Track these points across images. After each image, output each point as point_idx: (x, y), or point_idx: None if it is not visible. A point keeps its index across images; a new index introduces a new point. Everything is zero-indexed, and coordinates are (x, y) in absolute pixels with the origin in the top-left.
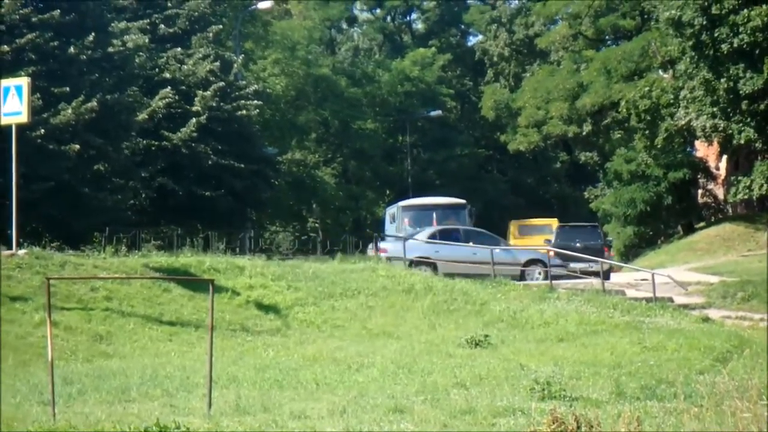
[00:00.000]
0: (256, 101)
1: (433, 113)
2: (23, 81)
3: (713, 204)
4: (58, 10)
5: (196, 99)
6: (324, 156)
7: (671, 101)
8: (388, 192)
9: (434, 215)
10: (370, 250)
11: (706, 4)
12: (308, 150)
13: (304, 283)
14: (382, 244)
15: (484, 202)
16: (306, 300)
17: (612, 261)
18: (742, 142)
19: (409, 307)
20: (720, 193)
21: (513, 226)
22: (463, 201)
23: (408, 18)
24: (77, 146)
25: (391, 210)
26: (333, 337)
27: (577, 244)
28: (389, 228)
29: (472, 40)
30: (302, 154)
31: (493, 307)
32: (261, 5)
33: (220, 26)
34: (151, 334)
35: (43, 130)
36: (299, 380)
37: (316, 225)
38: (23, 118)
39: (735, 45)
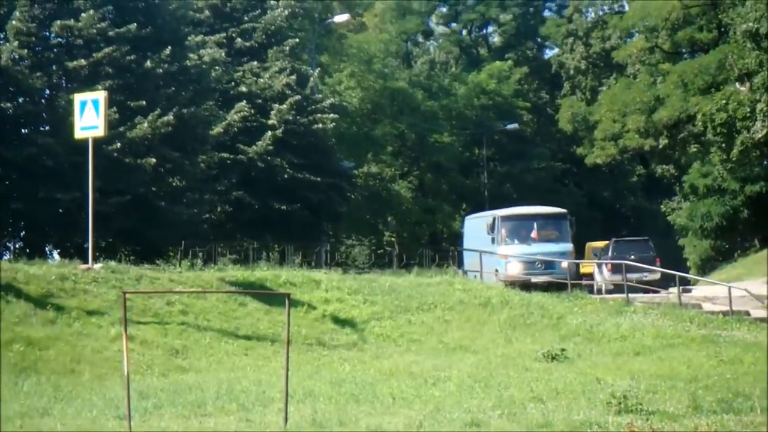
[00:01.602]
0: (332, 114)
1: (510, 126)
2: (100, 95)
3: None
4: (135, 24)
5: (272, 112)
6: (400, 169)
7: (748, 114)
8: (464, 205)
9: (535, 225)
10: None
11: None
12: (384, 163)
13: (380, 297)
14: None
15: None
16: (382, 314)
17: (670, 271)
18: None
19: (485, 321)
20: None
21: (588, 248)
22: (564, 210)
23: (484, 31)
24: (153, 160)
25: (484, 220)
26: (409, 351)
27: (632, 257)
28: (479, 240)
29: (549, 53)
30: (378, 167)
31: (570, 320)
32: (337, 19)
33: (297, 40)
34: (226, 349)
35: (119, 144)
36: (375, 394)
37: (392, 238)
38: (100, 131)
39: None
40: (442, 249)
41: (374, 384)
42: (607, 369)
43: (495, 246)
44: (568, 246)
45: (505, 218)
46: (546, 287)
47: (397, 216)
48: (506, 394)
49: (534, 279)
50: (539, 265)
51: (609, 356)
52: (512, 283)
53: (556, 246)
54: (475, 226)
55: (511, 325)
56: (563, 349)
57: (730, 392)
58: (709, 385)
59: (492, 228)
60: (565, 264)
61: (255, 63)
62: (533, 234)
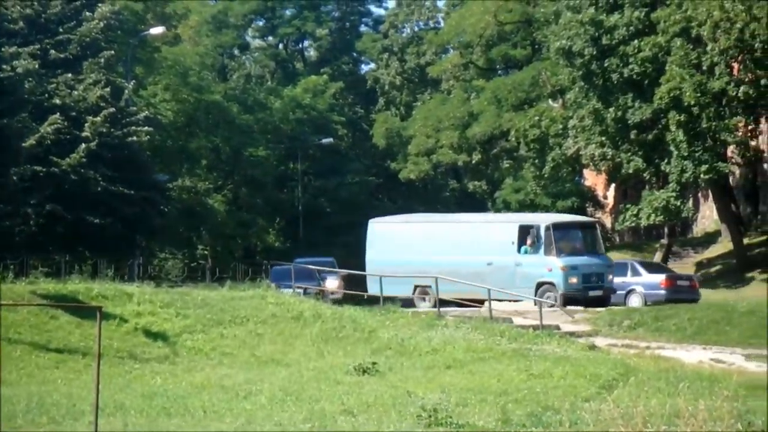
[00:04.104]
0: (146, 127)
1: (325, 141)
2: None
3: (601, 232)
4: None
5: (86, 125)
6: (215, 183)
7: (560, 130)
8: (278, 219)
9: (581, 235)
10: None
11: (596, 34)
12: (199, 177)
13: (193, 310)
14: None
15: None
16: (194, 327)
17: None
18: (631, 171)
19: (297, 335)
20: (608, 221)
21: None
22: (596, 219)
23: (300, 45)
24: None
25: (523, 227)
26: (221, 365)
27: None
28: (516, 252)
29: (365, 68)
30: (193, 180)
31: (382, 334)
32: (153, 31)
33: (112, 52)
34: (37, 362)
35: None
36: (187, 408)
37: (206, 252)
38: None
39: (625, 75)
40: (256, 263)
41: (186, 397)
42: (418, 382)
43: (535, 256)
44: (608, 258)
45: (557, 227)
46: (602, 301)
47: (211, 230)
48: (317, 407)
49: (591, 293)
50: (594, 279)
51: (420, 370)
52: (571, 299)
53: (598, 258)
54: (395, 233)
55: (323, 339)
56: (375, 363)
57: (539, 406)
58: (518, 398)
59: (536, 238)
60: (610, 277)
61: (69, 75)
62: (580, 244)
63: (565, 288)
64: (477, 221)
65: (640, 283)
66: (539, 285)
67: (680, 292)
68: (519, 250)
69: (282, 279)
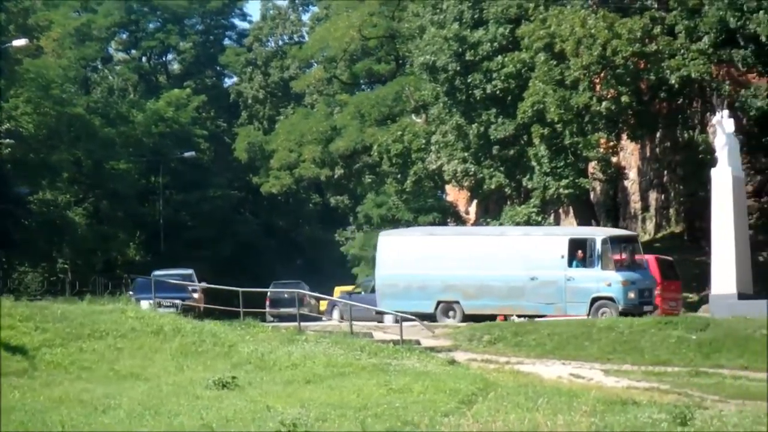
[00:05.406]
0: (7, 140)
1: (187, 154)
2: None
3: None
4: None
5: None
6: (76, 196)
7: (423, 146)
8: (139, 233)
9: (631, 248)
10: None
11: (460, 50)
12: (60, 190)
13: (53, 324)
14: None
15: (237, 244)
16: (54, 341)
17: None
18: (493, 186)
19: (157, 349)
20: None
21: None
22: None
23: (164, 59)
24: None
25: (574, 241)
26: (80, 379)
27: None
28: (566, 266)
29: (228, 82)
30: (54, 194)
31: (242, 348)
32: (16, 43)
33: None
34: None
35: None
36: (45, 423)
37: (66, 266)
38: None
39: (488, 91)
40: (117, 276)
41: (44, 412)
42: (278, 397)
43: (591, 270)
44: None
45: (613, 240)
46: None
47: (72, 243)
48: (176, 421)
49: (645, 308)
50: (646, 293)
51: (280, 384)
52: (626, 313)
53: (645, 272)
54: (413, 246)
55: (183, 353)
56: (234, 377)
57: (399, 421)
58: (378, 413)
59: (590, 250)
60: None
61: None
62: (630, 258)
63: (624, 303)
64: (515, 234)
65: None
66: (594, 300)
67: None
68: (570, 264)
69: (147, 291)
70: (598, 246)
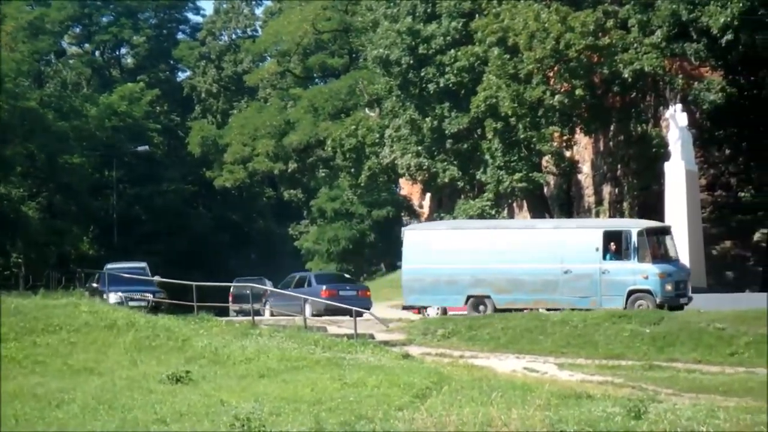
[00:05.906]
0: None
1: (140, 148)
2: None
3: None
4: None
5: None
6: (29, 190)
7: (377, 140)
8: (92, 227)
9: (666, 241)
10: None
11: (413, 44)
12: (13, 184)
13: (6, 318)
14: None
15: (190, 239)
16: (7, 336)
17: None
18: (446, 180)
19: (111, 343)
20: None
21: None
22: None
23: (117, 53)
24: None
25: (609, 233)
26: (34, 373)
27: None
28: (601, 259)
29: (181, 76)
30: (7, 188)
31: (196, 342)
32: None
33: None
34: None
35: None
36: None
37: (20, 260)
38: None
39: (441, 85)
40: (70, 270)
41: None
42: (232, 391)
43: (627, 263)
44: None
45: (649, 232)
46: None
47: (25, 237)
48: (130, 416)
49: (681, 300)
50: (682, 286)
51: (234, 378)
52: (662, 305)
53: (680, 264)
54: (440, 240)
55: (136, 348)
56: (188, 372)
57: (353, 415)
58: (332, 407)
59: (625, 242)
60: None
61: None
62: (665, 251)
63: (662, 296)
64: (546, 227)
65: (307, 293)
66: (630, 293)
67: (344, 301)
68: (605, 257)
69: (115, 285)
70: (634, 238)
